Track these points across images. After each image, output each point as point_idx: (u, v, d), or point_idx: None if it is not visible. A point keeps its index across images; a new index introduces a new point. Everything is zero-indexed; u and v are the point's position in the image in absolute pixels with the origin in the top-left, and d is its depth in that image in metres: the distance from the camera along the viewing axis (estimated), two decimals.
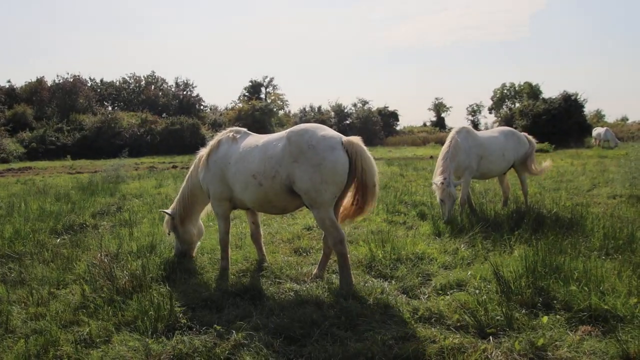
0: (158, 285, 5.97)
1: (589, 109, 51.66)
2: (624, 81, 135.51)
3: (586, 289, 5.19)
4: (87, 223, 9.79)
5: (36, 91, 54.43)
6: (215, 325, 4.75)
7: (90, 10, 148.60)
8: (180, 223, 7.09)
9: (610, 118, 62.73)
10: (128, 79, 70.75)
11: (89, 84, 63.38)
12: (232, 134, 6.65)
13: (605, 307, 4.81)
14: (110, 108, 62.00)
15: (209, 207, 7.24)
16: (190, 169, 7.13)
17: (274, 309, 5.21)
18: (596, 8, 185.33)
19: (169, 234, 7.30)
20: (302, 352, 4.34)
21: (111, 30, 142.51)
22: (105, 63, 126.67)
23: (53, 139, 41.42)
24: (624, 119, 64.05)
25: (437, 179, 9.25)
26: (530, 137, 10.99)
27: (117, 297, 5.51)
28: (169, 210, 7.22)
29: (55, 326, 4.93)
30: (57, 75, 57.59)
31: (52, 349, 4.53)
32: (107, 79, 69.27)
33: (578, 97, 42.67)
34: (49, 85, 56.01)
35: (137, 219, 10.10)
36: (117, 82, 69.85)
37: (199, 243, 7.46)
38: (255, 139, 6.34)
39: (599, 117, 60.40)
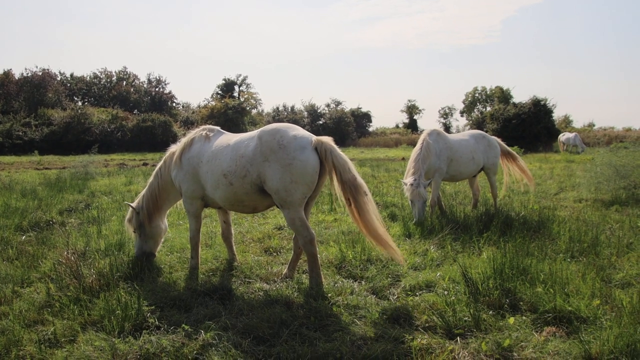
0: (126, 284, 5.89)
1: (557, 114, 52.58)
2: (591, 88, 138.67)
3: (552, 290, 5.28)
4: (54, 220, 9.60)
5: (3, 84, 53.20)
6: (183, 325, 4.71)
7: (61, 2, 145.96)
8: (147, 219, 6.87)
9: (577, 123, 63.97)
10: (99, 74, 69.90)
11: (58, 78, 62.36)
12: (205, 132, 6.58)
13: (570, 308, 4.92)
14: (80, 103, 61.08)
15: (179, 205, 7.14)
16: (160, 165, 6.99)
17: (243, 308, 5.19)
18: (565, 16, 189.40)
19: (134, 232, 6.99)
20: (270, 352, 4.33)
21: (83, 24, 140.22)
22: (75, 57, 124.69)
23: (20, 133, 40.55)
24: (591, 125, 65.36)
25: (408, 179, 9.33)
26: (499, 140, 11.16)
27: (84, 296, 5.42)
28: (136, 206, 6.98)
29: (19, 325, 4.83)
30: (26, 69, 56.61)
31: (15, 349, 4.44)
32: (77, 74, 68.34)
33: (547, 102, 43.54)
34: (16, 78, 54.79)
35: (106, 217, 9.96)
36: (88, 77, 68.94)
37: (162, 241, 7.29)
38: (228, 138, 6.30)
39: (567, 122, 61.59)
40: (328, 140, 5.72)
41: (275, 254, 7.48)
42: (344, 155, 5.74)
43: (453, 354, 4.25)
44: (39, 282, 6.14)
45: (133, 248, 7.37)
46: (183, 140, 6.68)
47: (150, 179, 7.05)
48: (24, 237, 8.23)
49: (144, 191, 7.07)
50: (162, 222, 7.06)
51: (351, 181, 5.63)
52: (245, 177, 5.76)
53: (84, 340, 4.54)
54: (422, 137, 10.07)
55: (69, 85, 65.12)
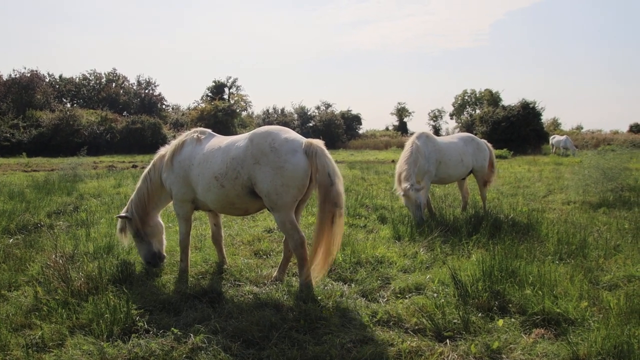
0: (115, 287, 5.86)
1: (546, 117, 52.92)
2: (579, 91, 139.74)
3: (540, 292, 5.32)
4: (42, 223, 9.52)
5: None
6: (172, 328, 4.68)
7: (50, 4, 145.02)
8: (141, 223, 6.78)
9: (566, 126, 64.47)
10: (88, 75, 69.43)
11: (47, 80, 61.83)
12: (196, 134, 6.55)
13: (558, 310, 4.95)
14: (69, 105, 60.52)
15: (168, 207, 7.10)
16: (148, 168, 6.90)
17: (233, 311, 5.18)
18: (552, 19, 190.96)
19: (135, 238, 6.82)
20: (260, 355, 4.32)
21: (73, 26, 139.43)
22: (64, 58, 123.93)
23: (8, 135, 40.08)
24: (579, 128, 65.94)
25: (403, 185, 9.31)
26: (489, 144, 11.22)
27: (72, 300, 5.37)
28: (126, 214, 6.84)
29: (6, 330, 4.78)
30: (14, 70, 56.03)
31: (2, 353, 4.39)
32: (66, 75, 67.83)
33: (536, 105, 43.89)
34: (4, 79, 54.25)
35: (95, 220, 9.88)
36: (77, 79, 68.47)
37: (164, 238, 7.14)
38: (219, 140, 6.28)
39: (555, 125, 61.98)
40: (318, 142, 5.69)
41: (265, 256, 7.46)
42: (331, 159, 5.62)
43: (442, 357, 4.27)
44: (27, 285, 6.09)
45: (122, 251, 7.33)
46: (174, 143, 6.63)
47: (139, 183, 6.94)
48: (11, 240, 8.15)
49: (132, 197, 6.99)
50: (157, 219, 6.99)
51: (326, 186, 5.48)
52: (236, 179, 5.75)
53: (72, 344, 4.50)
54: (410, 140, 10.10)
55: (57, 86, 64.59)
